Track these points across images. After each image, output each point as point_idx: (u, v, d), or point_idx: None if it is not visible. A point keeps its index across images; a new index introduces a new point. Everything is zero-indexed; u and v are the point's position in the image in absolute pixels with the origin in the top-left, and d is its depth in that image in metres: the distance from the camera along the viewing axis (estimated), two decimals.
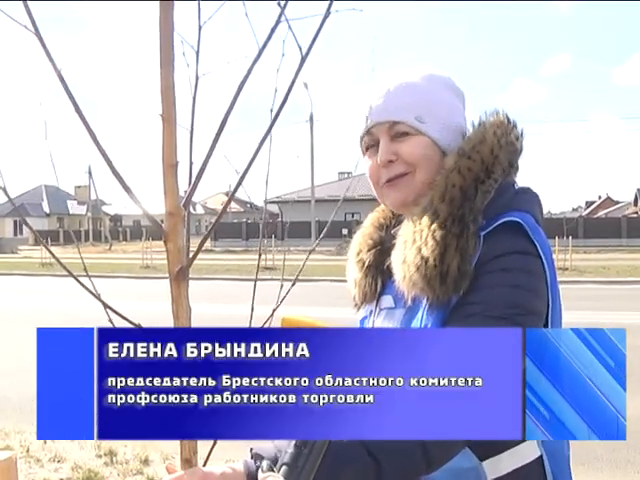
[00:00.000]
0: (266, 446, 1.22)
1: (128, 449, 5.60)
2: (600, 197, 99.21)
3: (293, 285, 1.50)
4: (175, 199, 1.22)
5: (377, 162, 1.48)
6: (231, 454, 4.94)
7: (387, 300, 1.50)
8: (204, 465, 1.30)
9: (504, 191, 1.40)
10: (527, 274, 1.29)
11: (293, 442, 1.05)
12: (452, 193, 1.37)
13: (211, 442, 1.38)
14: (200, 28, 1.27)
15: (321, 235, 1.73)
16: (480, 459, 1.31)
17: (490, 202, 1.38)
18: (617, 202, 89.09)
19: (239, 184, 1.33)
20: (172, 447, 5.36)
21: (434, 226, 1.34)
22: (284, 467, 1.03)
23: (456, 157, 1.41)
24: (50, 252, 1.43)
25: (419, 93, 1.48)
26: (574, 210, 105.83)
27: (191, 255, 1.27)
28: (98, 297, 1.31)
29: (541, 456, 1.35)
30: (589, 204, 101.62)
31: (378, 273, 1.53)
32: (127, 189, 1.26)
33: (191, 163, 1.29)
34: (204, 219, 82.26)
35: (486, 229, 1.34)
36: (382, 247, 1.53)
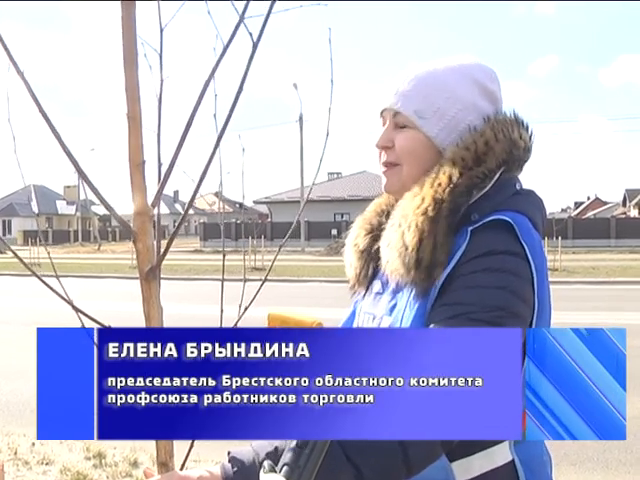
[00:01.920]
0: (244, 449, 1.21)
1: (117, 451, 5.56)
2: (589, 198, 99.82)
3: (263, 284, 1.49)
4: (143, 198, 1.21)
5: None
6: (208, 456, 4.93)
7: (377, 285, 1.51)
8: (181, 469, 1.28)
9: (502, 188, 1.39)
10: (513, 276, 1.27)
11: (294, 442, 1.04)
12: (440, 180, 1.37)
13: (188, 445, 1.36)
14: (162, 30, 1.26)
15: (289, 231, 1.73)
16: (450, 460, 1.29)
17: (485, 198, 1.36)
18: (606, 203, 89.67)
19: (195, 193, 1.33)
20: None
21: (418, 211, 1.35)
22: (285, 467, 1.02)
23: (455, 148, 1.41)
24: (15, 255, 1.42)
25: (431, 86, 1.46)
26: (563, 211, 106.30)
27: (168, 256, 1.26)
28: (68, 300, 1.30)
29: (513, 461, 1.33)
30: (578, 205, 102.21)
31: (371, 258, 1.53)
32: (94, 189, 1.25)
33: (160, 164, 1.28)
34: (193, 219, 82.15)
35: (475, 224, 1.32)
36: (378, 232, 1.53)
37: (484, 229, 1.31)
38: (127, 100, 1.18)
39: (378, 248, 1.47)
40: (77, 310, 1.28)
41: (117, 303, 14.13)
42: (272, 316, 1.76)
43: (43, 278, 1.34)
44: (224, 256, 1.57)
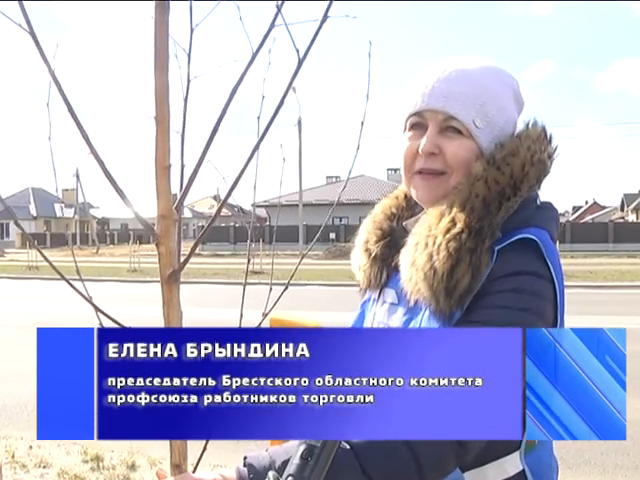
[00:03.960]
0: (261, 455, 1.18)
1: (115, 454, 5.54)
2: (587, 202, 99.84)
3: (286, 289, 1.48)
4: (168, 201, 1.20)
5: (417, 149, 1.40)
6: (222, 459, 4.91)
7: (391, 294, 1.47)
8: (194, 471, 1.27)
9: (526, 205, 1.35)
10: (538, 298, 1.26)
11: (298, 453, 1.03)
12: (474, 203, 1.31)
13: (201, 447, 1.36)
14: (192, 30, 1.25)
15: (313, 241, 1.69)
16: (462, 470, 1.29)
17: (510, 215, 1.32)
18: (604, 207, 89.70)
19: (231, 191, 1.32)
20: (159, 452, 5.31)
21: (449, 236, 1.29)
22: (290, 478, 1.01)
23: (485, 165, 1.35)
24: (43, 256, 1.41)
25: (485, 93, 1.39)
26: (561, 215, 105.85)
27: (182, 259, 1.26)
28: (89, 300, 1.29)
29: (523, 471, 1.34)
30: (576, 209, 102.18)
31: (384, 265, 1.49)
32: (120, 193, 1.24)
33: (183, 166, 1.27)
34: (192, 223, 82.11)
35: (502, 243, 1.29)
36: (391, 238, 1.49)
37: (511, 249, 1.29)
38: (155, 102, 1.17)
39: (393, 259, 1.44)
40: (98, 310, 1.28)
41: (117, 306, 14.10)
42: (274, 320, 1.76)
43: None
44: (248, 261, 1.54)
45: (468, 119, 1.37)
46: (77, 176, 63.71)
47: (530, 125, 1.42)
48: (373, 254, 1.52)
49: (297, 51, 1.26)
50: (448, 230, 1.30)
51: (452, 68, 1.41)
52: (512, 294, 1.25)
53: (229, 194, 1.31)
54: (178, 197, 1.26)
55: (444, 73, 1.41)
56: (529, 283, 1.26)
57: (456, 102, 1.37)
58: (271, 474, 1.04)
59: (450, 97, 1.38)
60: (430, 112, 1.40)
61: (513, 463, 1.33)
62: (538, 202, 1.40)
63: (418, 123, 1.42)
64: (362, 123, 1.46)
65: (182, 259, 1.26)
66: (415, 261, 1.33)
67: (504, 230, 1.31)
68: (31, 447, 5.77)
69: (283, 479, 1.02)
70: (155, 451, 5.43)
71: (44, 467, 5.34)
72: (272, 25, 1.24)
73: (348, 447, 1.09)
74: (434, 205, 1.38)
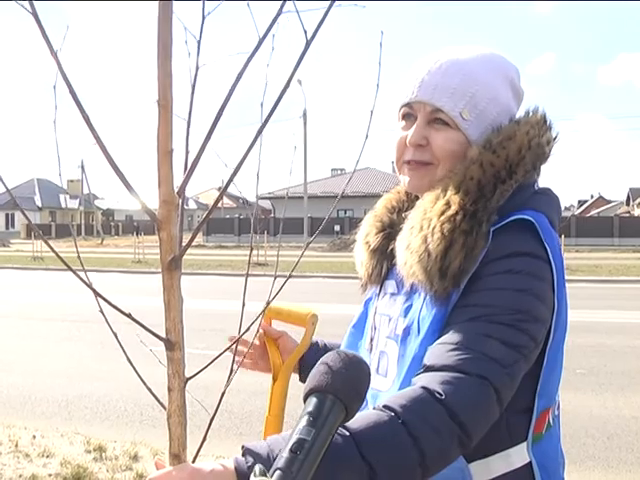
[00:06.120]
0: (259, 444, 1.14)
1: (117, 445, 5.53)
2: (592, 196, 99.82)
3: (287, 280, 1.46)
4: (170, 187, 1.19)
5: (406, 140, 1.42)
6: (221, 450, 4.92)
7: (391, 285, 1.46)
8: (193, 461, 1.24)
9: (522, 190, 1.34)
10: (535, 279, 1.25)
11: (288, 447, 0.99)
12: (468, 186, 1.31)
13: (200, 438, 1.34)
14: (204, 18, 1.24)
15: (316, 232, 1.66)
16: (468, 461, 1.26)
17: (506, 200, 1.31)
18: (609, 201, 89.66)
19: (230, 180, 1.30)
20: (161, 443, 5.29)
21: (443, 218, 1.29)
22: (278, 472, 0.97)
23: (481, 149, 1.34)
24: (48, 245, 1.39)
25: (475, 84, 1.38)
26: (567, 209, 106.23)
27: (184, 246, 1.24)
28: (90, 286, 1.28)
29: (530, 462, 1.31)
30: (581, 203, 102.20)
31: (384, 257, 1.48)
32: (124, 179, 1.22)
33: (187, 152, 1.26)
34: (196, 214, 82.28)
35: (497, 225, 1.28)
36: (391, 231, 1.49)
37: (507, 229, 1.28)
38: (159, 87, 1.16)
39: (392, 248, 1.43)
40: (99, 296, 1.26)
41: (121, 297, 14.14)
42: (270, 309, 1.76)
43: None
44: (251, 249, 1.52)
45: (455, 111, 1.37)
46: (82, 167, 63.87)
47: (531, 112, 1.42)
48: (372, 246, 1.51)
49: (305, 32, 1.23)
50: (442, 212, 1.30)
51: (444, 59, 1.41)
52: (507, 275, 1.24)
53: (231, 179, 1.29)
54: (180, 182, 1.24)
55: (435, 64, 1.41)
56: (525, 264, 1.25)
57: (444, 94, 1.38)
58: (257, 467, 1.00)
59: (438, 89, 1.38)
60: (419, 104, 1.41)
61: (520, 454, 1.31)
62: (536, 187, 1.39)
63: (409, 114, 1.44)
64: (371, 112, 1.44)
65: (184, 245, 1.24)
66: (410, 244, 1.33)
67: (500, 214, 1.30)
68: (34, 437, 5.77)
69: (271, 472, 0.97)
70: (158, 442, 5.44)
71: (47, 457, 5.32)
72: (280, 10, 1.22)
73: (347, 433, 1.06)
74: (427, 191, 1.38)
